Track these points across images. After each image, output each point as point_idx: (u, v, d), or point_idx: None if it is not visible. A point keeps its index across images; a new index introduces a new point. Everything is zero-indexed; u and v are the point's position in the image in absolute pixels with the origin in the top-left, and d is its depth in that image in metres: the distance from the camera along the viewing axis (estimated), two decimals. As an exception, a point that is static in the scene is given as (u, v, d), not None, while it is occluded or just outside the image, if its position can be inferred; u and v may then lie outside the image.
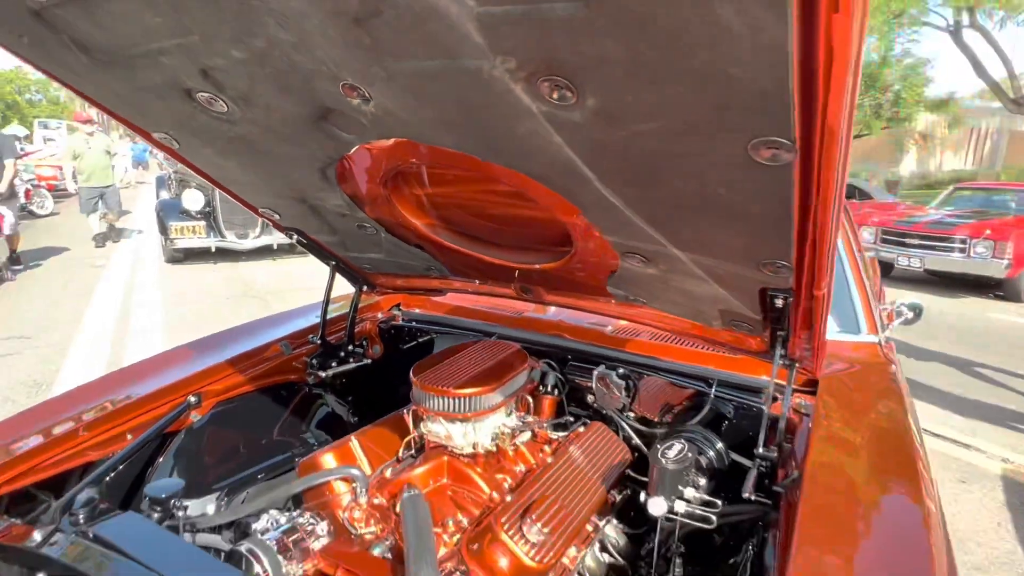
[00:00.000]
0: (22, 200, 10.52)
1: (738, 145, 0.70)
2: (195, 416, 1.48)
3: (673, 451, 1.18)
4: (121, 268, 6.82)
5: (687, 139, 0.74)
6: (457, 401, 1.28)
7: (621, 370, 1.59)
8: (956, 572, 0.99)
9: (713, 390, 1.49)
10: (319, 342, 1.75)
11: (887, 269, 7.86)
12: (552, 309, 1.90)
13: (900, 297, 2.29)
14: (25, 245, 8.01)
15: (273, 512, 1.24)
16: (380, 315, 2.07)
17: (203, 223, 6.89)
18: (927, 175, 22.55)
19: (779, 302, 1.06)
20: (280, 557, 1.11)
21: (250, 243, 7.07)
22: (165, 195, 7.93)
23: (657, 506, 1.13)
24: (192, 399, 1.46)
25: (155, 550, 0.97)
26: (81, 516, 1.04)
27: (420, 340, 2.12)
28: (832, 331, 1.73)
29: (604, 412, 1.61)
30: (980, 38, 12.90)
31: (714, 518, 1.12)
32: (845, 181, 0.75)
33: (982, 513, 2.57)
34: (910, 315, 1.92)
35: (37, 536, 0.98)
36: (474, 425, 1.32)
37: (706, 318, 1.30)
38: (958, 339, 5.19)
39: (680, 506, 1.15)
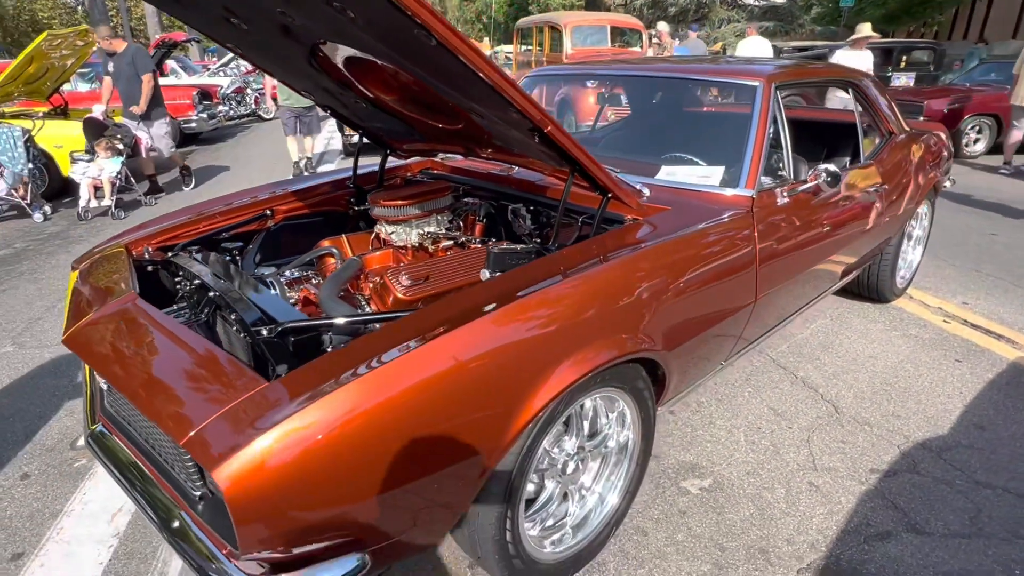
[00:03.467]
0: (251, 106, 13.11)
1: (421, 39, 1.33)
2: (271, 223, 2.47)
3: (502, 245, 1.85)
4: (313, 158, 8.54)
5: (402, 35, 1.38)
6: (389, 209, 2.07)
7: (531, 208, 2.23)
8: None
9: (580, 220, 2.06)
10: (353, 187, 2.63)
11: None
12: (515, 169, 2.53)
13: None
14: (252, 141, 10.25)
15: (295, 269, 2.18)
16: (409, 174, 2.88)
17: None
18: None
19: (537, 137, 1.63)
20: (286, 286, 2.04)
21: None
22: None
23: (483, 274, 1.83)
24: (268, 212, 2.43)
25: (223, 266, 1.94)
26: (193, 251, 2.06)
27: None
28: (711, 185, 2.14)
29: (520, 235, 2.27)
30: None
31: None
32: (481, 55, 1.33)
33: (949, 382, 2.72)
34: (828, 179, 2.19)
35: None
36: (404, 227, 2.11)
37: (543, 158, 1.89)
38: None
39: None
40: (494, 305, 1.36)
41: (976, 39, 21.56)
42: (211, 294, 1.67)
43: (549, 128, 1.55)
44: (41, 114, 6.56)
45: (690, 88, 2.65)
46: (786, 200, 2.22)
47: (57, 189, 6.44)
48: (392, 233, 2.14)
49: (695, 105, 2.66)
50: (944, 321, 3.34)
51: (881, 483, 2.10)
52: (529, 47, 11.13)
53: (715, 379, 2.73)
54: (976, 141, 8.57)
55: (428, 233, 2.16)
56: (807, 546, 1.84)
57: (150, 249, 2.12)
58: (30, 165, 5.65)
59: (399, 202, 2.07)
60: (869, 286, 3.40)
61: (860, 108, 2.93)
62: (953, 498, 2.03)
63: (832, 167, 2.21)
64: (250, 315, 1.52)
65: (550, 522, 1.71)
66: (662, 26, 10.15)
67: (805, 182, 2.24)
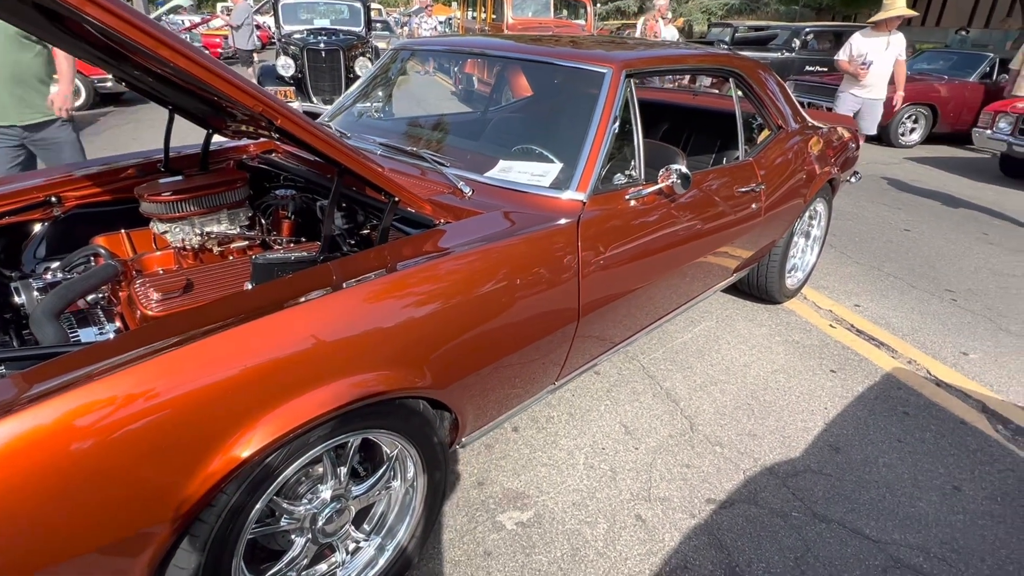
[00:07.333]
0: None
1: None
2: (58, 212, 2.12)
3: (270, 253, 1.56)
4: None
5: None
6: (157, 206, 1.75)
7: (344, 204, 1.94)
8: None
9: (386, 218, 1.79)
10: (164, 170, 2.28)
11: (1018, 166, 6.59)
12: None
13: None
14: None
15: (60, 272, 1.85)
16: (244, 156, 2.54)
17: (293, 88, 7.74)
18: None
19: (275, 131, 1.34)
20: (35, 291, 1.72)
21: (333, 109, 7.82)
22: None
23: (247, 288, 1.55)
24: (52, 199, 2.08)
25: None
26: None
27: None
28: (540, 186, 1.88)
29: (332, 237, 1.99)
30: None
31: None
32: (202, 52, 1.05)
33: (818, 396, 2.57)
34: (679, 180, 1.96)
35: None
36: (180, 226, 1.80)
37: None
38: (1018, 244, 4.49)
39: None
40: (156, 347, 1.08)
41: (934, 26, 21.69)
42: None
43: (280, 120, 1.26)
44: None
45: (541, 72, 2.37)
46: (634, 204, 1.98)
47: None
48: (166, 233, 1.83)
49: (554, 91, 2.38)
50: (831, 326, 3.20)
51: (713, 516, 1.93)
52: (475, 14, 10.64)
53: (572, 392, 2.53)
54: (912, 131, 8.54)
55: (213, 233, 1.85)
56: (611, 596, 1.66)
57: None
58: None
59: (166, 196, 1.76)
60: (758, 287, 3.23)
61: (743, 100, 2.70)
62: (784, 534, 1.87)
63: (684, 168, 1.98)
64: None
65: (306, 578, 1.48)
66: (660, 0, 8.15)
67: (656, 183, 2.01)
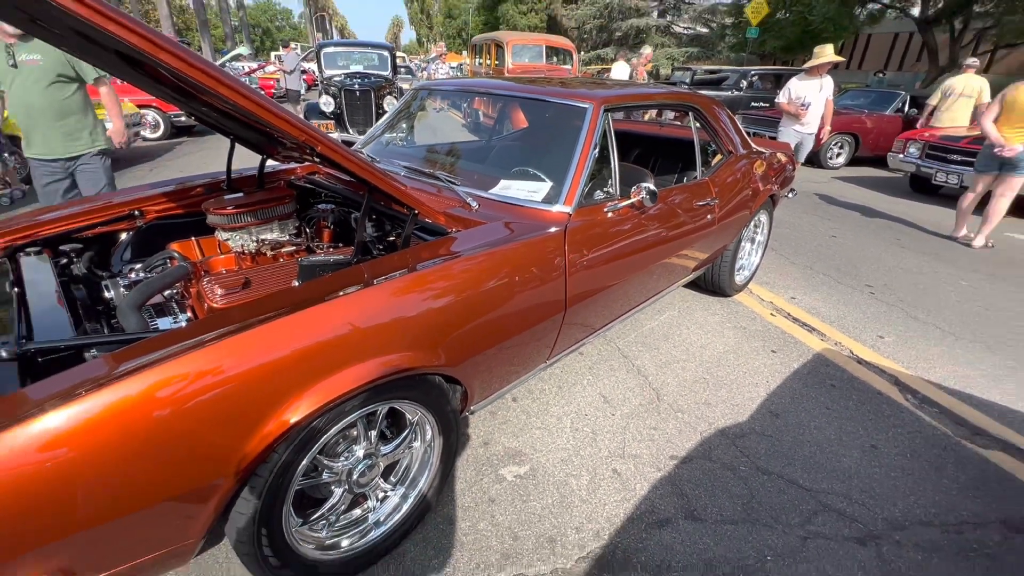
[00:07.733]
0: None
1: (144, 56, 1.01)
2: (140, 223, 2.11)
3: (313, 256, 1.55)
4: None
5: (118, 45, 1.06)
6: (221, 217, 1.75)
7: (374, 217, 1.93)
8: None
9: (408, 227, 1.78)
10: (227, 189, 2.28)
11: (925, 185, 6.57)
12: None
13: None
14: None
15: (142, 271, 1.85)
16: (292, 177, 2.54)
17: (333, 121, 7.71)
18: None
19: (317, 157, 1.33)
20: (123, 288, 1.72)
21: (365, 138, 7.79)
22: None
23: (295, 285, 1.55)
24: (136, 212, 2.08)
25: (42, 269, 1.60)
26: (31, 252, 1.71)
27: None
28: (534, 200, 1.88)
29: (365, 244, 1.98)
30: None
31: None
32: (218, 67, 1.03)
33: (761, 372, 2.57)
34: (648, 196, 1.96)
35: None
36: (240, 235, 1.80)
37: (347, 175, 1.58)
38: (931, 252, 4.48)
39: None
40: (221, 332, 1.08)
41: (856, 69, 21.63)
42: None
43: (321, 147, 1.26)
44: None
45: (535, 107, 2.36)
46: (611, 215, 1.98)
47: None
48: (228, 240, 1.83)
49: (546, 123, 2.37)
50: (771, 315, 3.20)
51: (676, 470, 1.93)
52: (482, 61, 10.60)
53: (561, 369, 2.53)
54: (839, 155, 8.51)
55: (267, 240, 1.85)
56: (592, 535, 1.66)
57: None
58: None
59: (229, 210, 1.76)
60: (712, 283, 3.23)
61: (701, 129, 2.69)
62: (734, 484, 1.88)
63: (652, 185, 1.97)
64: (12, 331, 1.21)
65: (343, 523, 1.48)
66: (646, 50, 8.23)
67: (629, 198, 2.00)
